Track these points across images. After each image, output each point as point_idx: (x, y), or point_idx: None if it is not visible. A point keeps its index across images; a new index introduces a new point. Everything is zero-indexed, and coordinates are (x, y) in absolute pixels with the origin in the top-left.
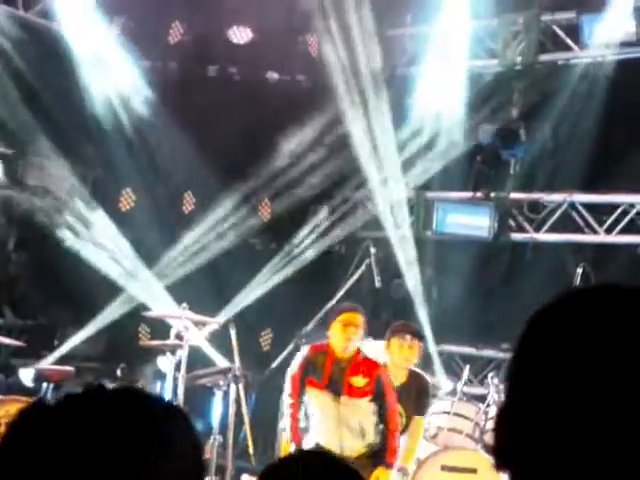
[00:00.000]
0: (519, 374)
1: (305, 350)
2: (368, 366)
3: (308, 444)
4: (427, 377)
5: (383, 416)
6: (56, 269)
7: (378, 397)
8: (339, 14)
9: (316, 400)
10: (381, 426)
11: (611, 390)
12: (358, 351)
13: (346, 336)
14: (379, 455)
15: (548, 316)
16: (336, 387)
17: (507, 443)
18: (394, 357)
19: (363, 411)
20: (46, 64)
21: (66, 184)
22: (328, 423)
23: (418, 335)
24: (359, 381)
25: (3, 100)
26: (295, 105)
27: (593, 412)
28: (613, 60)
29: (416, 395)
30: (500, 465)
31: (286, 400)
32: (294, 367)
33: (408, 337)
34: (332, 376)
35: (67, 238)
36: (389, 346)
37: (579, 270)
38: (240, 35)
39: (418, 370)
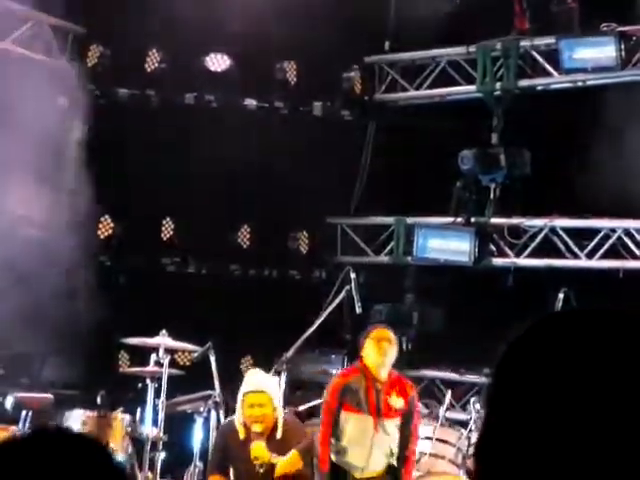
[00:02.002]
0: (497, 400)
1: (336, 378)
2: (402, 385)
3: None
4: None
5: (407, 437)
6: (36, 294)
7: (408, 418)
8: (316, 40)
9: (355, 423)
10: (401, 444)
11: (589, 415)
12: (392, 371)
13: (381, 351)
14: (395, 472)
15: (526, 341)
16: (374, 408)
17: (486, 468)
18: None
19: (394, 432)
20: None
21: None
22: (362, 445)
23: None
24: (395, 401)
25: None
26: (273, 132)
27: (572, 437)
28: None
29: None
30: None
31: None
32: (327, 397)
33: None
34: (373, 398)
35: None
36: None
37: (560, 295)
38: (217, 62)
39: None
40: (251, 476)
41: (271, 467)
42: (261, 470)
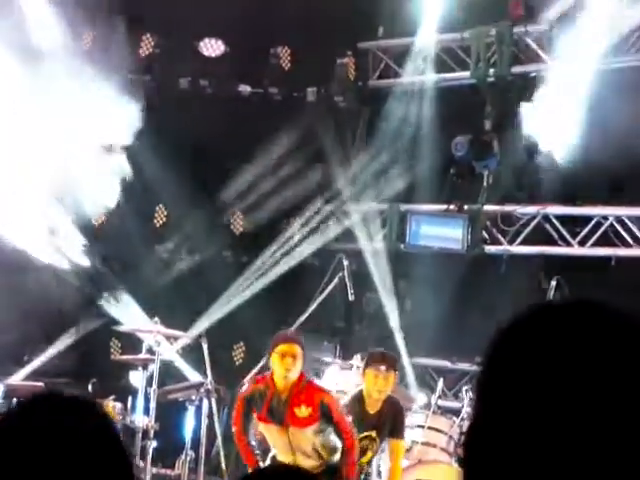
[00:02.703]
0: (486, 388)
1: (245, 388)
2: (309, 394)
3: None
4: (402, 398)
5: (339, 436)
6: (26, 283)
7: (326, 422)
8: (310, 26)
9: (264, 430)
10: (340, 444)
11: (579, 406)
12: (299, 380)
13: (284, 367)
14: (338, 470)
15: (516, 330)
16: (280, 418)
17: (475, 457)
18: (368, 387)
19: (312, 438)
20: None
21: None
22: (281, 450)
23: (394, 366)
24: (302, 411)
25: None
26: (267, 118)
27: (561, 427)
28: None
29: (392, 421)
30: (468, 478)
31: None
32: (237, 399)
33: (383, 368)
34: (272, 408)
35: (37, 252)
36: (364, 375)
37: (553, 283)
38: (212, 48)
39: (393, 396)
40: None
41: None
42: None
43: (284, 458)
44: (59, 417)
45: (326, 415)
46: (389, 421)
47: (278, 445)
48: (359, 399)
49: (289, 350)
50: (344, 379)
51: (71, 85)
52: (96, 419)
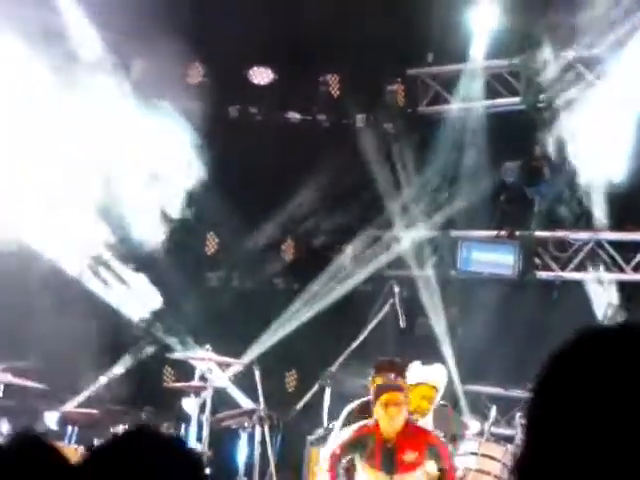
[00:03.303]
0: (537, 415)
1: (350, 431)
2: (415, 438)
3: None
4: (456, 425)
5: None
6: (80, 310)
7: (434, 463)
8: (359, 53)
9: (366, 477)
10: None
11: (633, 437)
12: (405, 425)
13: (389, 417)
14: None
15: (567, 356)
16: (388, 466)
17: None
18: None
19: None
20: None
21: None
22: None
23: (403, 373)
24: (409, 457)
25: None
26: (317, 145)
27: (614, 458)
28: None
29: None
30: None
31: (324, 459)
32: (334, 445)
33: (392, 376)
34: (383, 457)
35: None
36: (372, 384)
37: (607, 309)
38: (261, 75)
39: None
40: None
41: None
42: None
43: None
44: (153, 454)
45: (435, 457)
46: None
47: None
48: (364, 409)
49: (392, 399)
50: None
51: (122, 110)
52: (187, 459)
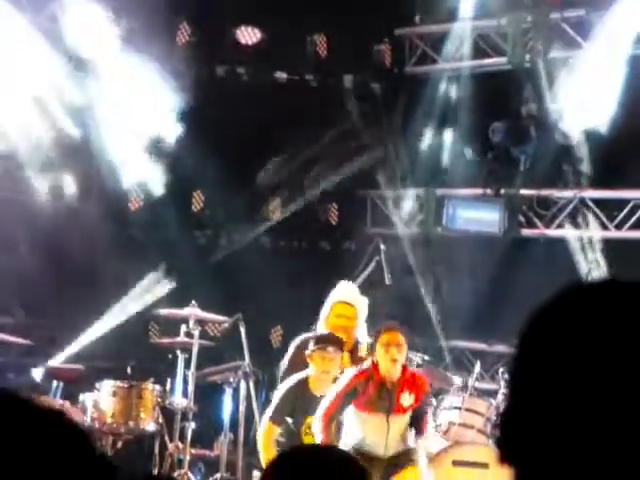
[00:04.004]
0: (521, 371)
1: (350, 374)
2: (414, 381)
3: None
4: (440, 379)
5: (416, 423)
6: (66, 268)
7: (419, 412)
8: (346, 13)
9: (358, 420)
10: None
11: (614, 388)
12: (404, 369)
13: (389, 357)
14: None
15: (551, 312)
16: (385, 407)
17: (511, 438)
18: (316, 368)
19: (404, 425)
20: None
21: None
22: (373, 439)
23: (341, 347)
24: (406, 398)
25: None
26: (304, 105)
27: (597, 410)
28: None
29: None
30: (503, 460)
31: (318, 420)
32: (326, 405)
33: (331, 349)
34: (376, 398)
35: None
36: (311, 357)
37: (590, 266)
38: (248, 35)
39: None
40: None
41: None
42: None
43: (374, 447)
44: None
45: (422, 408)
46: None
47: (372, 434)
48: (304, 382)
49: (393, 339)
50: None
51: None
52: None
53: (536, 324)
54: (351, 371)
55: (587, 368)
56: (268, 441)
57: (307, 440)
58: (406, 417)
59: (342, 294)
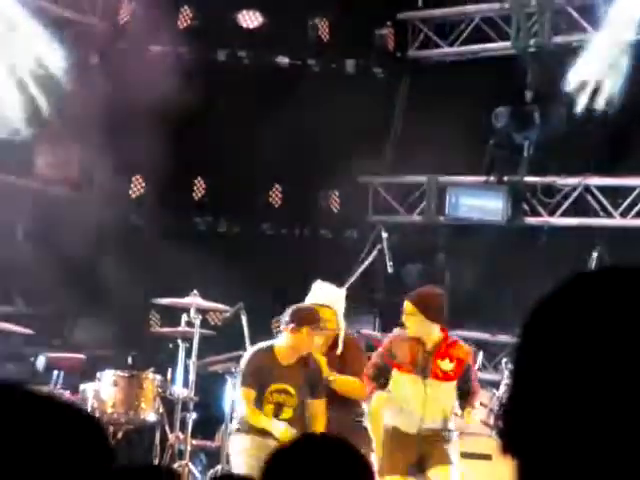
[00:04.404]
0: (523, 361)
1: (391, 338)
2: (455, 350)
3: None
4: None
5: (464, 397)
6: (66, 256)
7: (464, 380)
8: None
9: (398, 382)
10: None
11: (617, 378)
12: (445, 336)
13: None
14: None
15: (555, 301)
16: (423, 369)
17: (513, 428)
18: (297, 343)
19: (448, 395)
20: None
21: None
22: (411, 403)
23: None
24: (446, 365)
25: None
26: (306, 89)
27: (599, 400)
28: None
29: (305, 379)
30: (506, 450)
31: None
32: (380, 351)
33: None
34: (416, 359)
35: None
36: (299, 330)
37: (594, 254)
38: (250, 19)
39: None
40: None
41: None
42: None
43: (412, 412)
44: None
45: (466, 375)
46: (303, 378)
47: (410, 396)
48: (270, 350)
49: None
50: None
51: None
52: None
53: (539, 314)
54: (393, 333)
55: (590, 358)
56: (250, 407)
57: (267, 408)
58: (445, 386)
59: (318, 297)
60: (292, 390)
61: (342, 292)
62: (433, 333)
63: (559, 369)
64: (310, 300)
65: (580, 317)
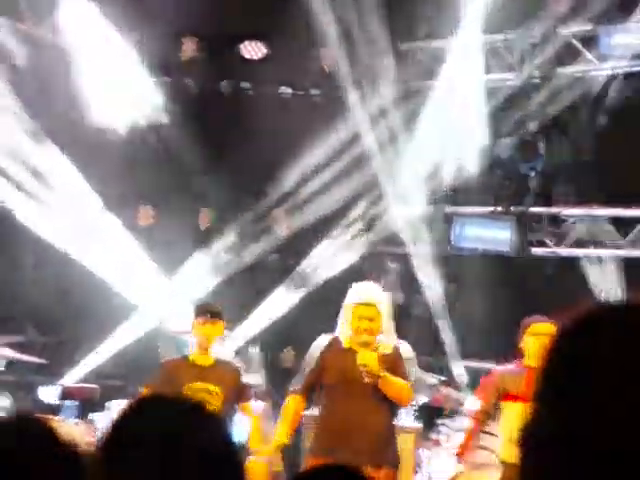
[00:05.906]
0: (542, 391)
1: (501, 370)
2: None
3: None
4: (452, 400)
5: None
6: (77, 285)
7: None
8: (352, 28)
9: (511, 411)
10: None
11: (635, 414)
12: None
13: (541, 344)
14: None
15: (574, 333)
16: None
17: (530, 459)
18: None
19: None
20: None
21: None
22: (514, 432)
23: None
24: None
25: None
26: (309, 120)
27: (622, 431)
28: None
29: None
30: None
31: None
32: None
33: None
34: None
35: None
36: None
37: (602, 284)
38: (253, 50)
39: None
40: (350, 385)
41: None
42: (365, 380)
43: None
44: None
45: None
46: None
47: (515, 425)
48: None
49: (544, 329)
50: None
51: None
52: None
53: (557, 346)
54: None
55: (609, 393)
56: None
57: None
58: None
59: (359, 295)
60: (217, 391)
61: (386, 294)
62: None
63: (578, 403)
64: (351, 297)
65: (599, 351)
